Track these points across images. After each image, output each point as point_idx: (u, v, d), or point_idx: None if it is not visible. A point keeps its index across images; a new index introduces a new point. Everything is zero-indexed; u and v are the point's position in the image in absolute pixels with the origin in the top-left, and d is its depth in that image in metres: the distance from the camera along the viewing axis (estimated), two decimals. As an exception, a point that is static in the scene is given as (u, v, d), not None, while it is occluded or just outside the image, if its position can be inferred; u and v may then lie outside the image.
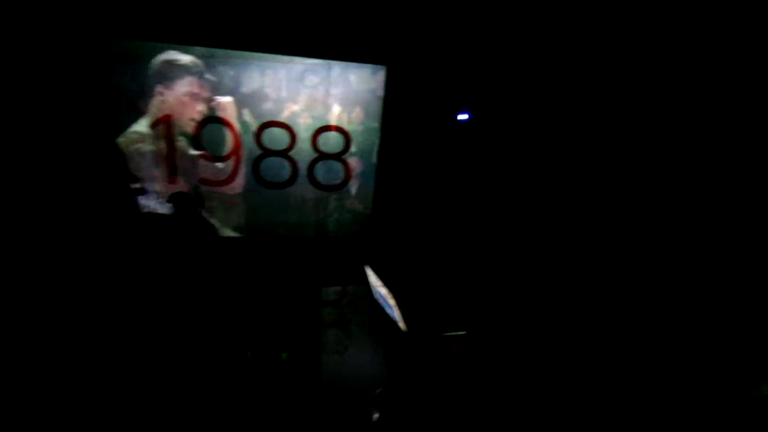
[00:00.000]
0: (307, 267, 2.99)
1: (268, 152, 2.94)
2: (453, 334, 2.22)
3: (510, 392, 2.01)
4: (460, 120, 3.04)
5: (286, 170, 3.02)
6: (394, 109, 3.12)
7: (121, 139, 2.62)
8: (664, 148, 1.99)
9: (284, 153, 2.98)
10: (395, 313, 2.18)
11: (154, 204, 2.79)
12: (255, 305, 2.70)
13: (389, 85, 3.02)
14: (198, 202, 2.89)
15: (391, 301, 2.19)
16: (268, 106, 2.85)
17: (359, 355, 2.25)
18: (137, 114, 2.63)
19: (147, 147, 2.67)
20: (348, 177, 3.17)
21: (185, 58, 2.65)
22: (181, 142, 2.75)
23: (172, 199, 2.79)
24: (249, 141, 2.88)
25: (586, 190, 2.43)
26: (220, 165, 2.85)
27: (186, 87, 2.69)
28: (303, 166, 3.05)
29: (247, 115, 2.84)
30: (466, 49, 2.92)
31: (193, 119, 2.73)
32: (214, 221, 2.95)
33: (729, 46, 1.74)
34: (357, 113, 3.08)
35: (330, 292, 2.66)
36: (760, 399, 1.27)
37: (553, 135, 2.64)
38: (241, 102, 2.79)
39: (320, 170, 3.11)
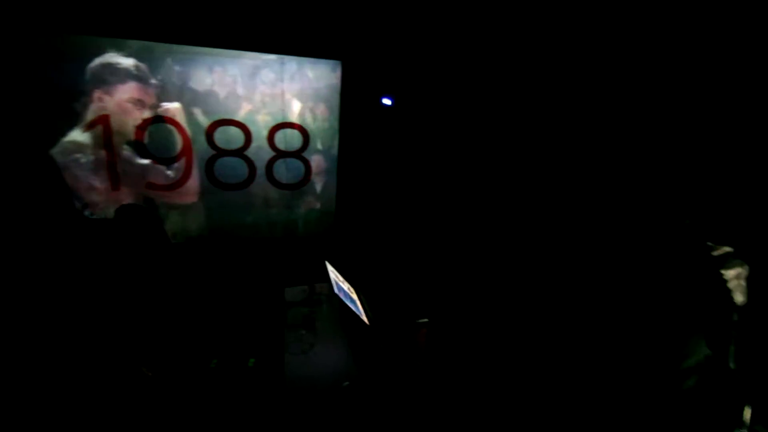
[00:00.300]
0: (271, 268, 2.88)
1: (222, 152, 2.83)
2: (416, 321, 2.17)
3: (474, 376, 1.99)
4: (385, 105, 3.00)
5: (243, 170, 2.91)
6: (353, 104, 3.06)
7: (57, 149, 2.46)
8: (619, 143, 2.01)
9: (240, 152, 2.87)
10: (358, 307, 2.13)
11: (97, 214, 2.63)
12: (218, 311, 2.58)
13: (345, 80, 2.96)
14: (152, 214, 2.72)
15: (354, 295, 2.12)
16: (220, 104, 2.74)
17: (326, 352, 2.17)
18: (74, 121, 2.47)
19: (86, 157, 2.51)
20: (309, 174, 3.08)
21: (127, 62, 2.51)
22: (125, 150, 2.60)
23: (120, 211, 2.62)
24: (200, 142, 2.76)
25: (546, 181, 2.43)
26: (168, 169, 2.71)
27: (128, 93, 2.55)
28: (261, 165, 2.95)
29: (198, 115, 2.72)
30: (423, 44, 2.88)
31: (136, 126, 2.58)
32: (169, 227, 2.80)
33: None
34: (317, 109, 3.01)
35: (294, 291, 2.56)
36: (684, 370, 1.27)
37: (508, 128, 2.64)
38: (191, 101, 2.67)
39: (280, 169, 3.00)
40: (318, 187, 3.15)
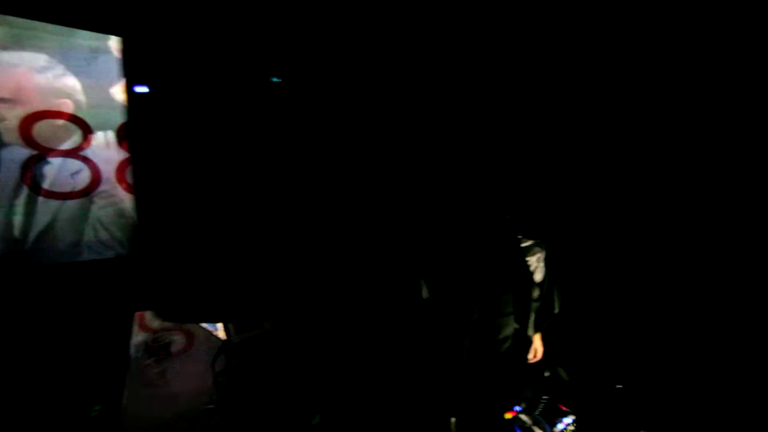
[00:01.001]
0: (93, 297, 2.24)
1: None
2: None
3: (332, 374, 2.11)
4: (138, 92, 2.49)
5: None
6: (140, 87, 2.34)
7: None
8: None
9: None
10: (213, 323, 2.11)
11: None
12: (46, 355, 2.02)
13: (128, 59, 2.28)
14: None
15: None
16: None
17: (184, 377, 2.03)
18: None
19: None
20: (97, 177, 2.29)
21: None
22: None
23: None
24: None
25: (376, 173, 2.49)
26: None
27: None
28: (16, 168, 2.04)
29: None
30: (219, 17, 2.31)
31: None
32: None
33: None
34: (94, 94, 2.24)
35: (140, 318, 2.19)
36: (500, 339, 1.60)
37: (326, 107, 2.56)
38: None
39: (51, 172, 2.15)
40: (117, 190, 2.39)
